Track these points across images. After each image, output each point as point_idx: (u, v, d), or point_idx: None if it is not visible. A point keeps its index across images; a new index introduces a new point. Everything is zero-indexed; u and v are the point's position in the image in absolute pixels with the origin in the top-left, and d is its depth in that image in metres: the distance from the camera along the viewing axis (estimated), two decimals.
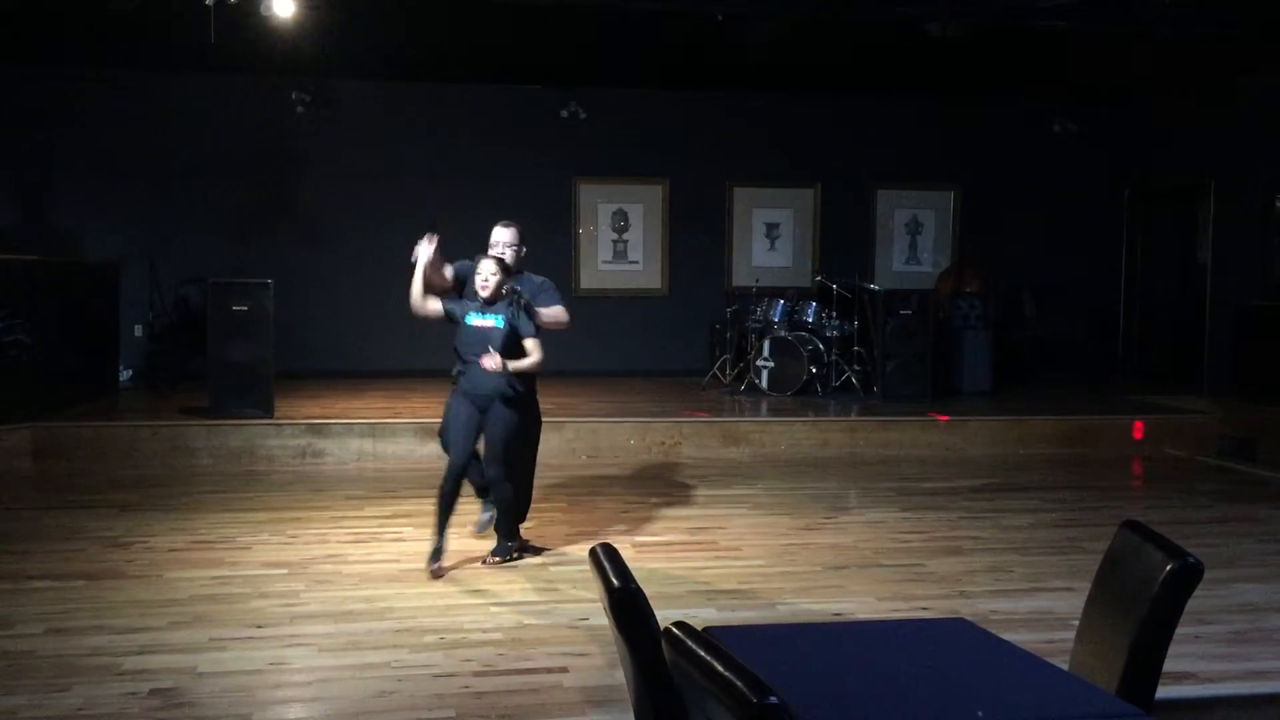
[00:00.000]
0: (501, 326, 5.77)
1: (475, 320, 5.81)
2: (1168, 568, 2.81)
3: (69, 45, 10.80)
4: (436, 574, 5.73)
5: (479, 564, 5.97)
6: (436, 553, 5.78)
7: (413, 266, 5.85)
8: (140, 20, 9.27)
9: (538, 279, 6.27)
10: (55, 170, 11.84)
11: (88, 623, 5.00)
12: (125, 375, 11.43)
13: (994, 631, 3.30)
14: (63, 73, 11.54)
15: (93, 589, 5.51)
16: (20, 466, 8.50)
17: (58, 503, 7.47)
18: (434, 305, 5.86)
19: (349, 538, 6.51)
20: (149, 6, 8.76)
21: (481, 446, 5.91)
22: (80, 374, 10.05)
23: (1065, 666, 3.08)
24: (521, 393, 5.94)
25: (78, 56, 11.20)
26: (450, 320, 5.86)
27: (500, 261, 5.89)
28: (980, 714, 2.54)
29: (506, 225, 6.17)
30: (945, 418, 9.80)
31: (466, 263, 6.08)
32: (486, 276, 5.78)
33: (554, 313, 6.15)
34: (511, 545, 6.08)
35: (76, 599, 5.35)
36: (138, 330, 11.84)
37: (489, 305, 5.80)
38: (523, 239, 6.22)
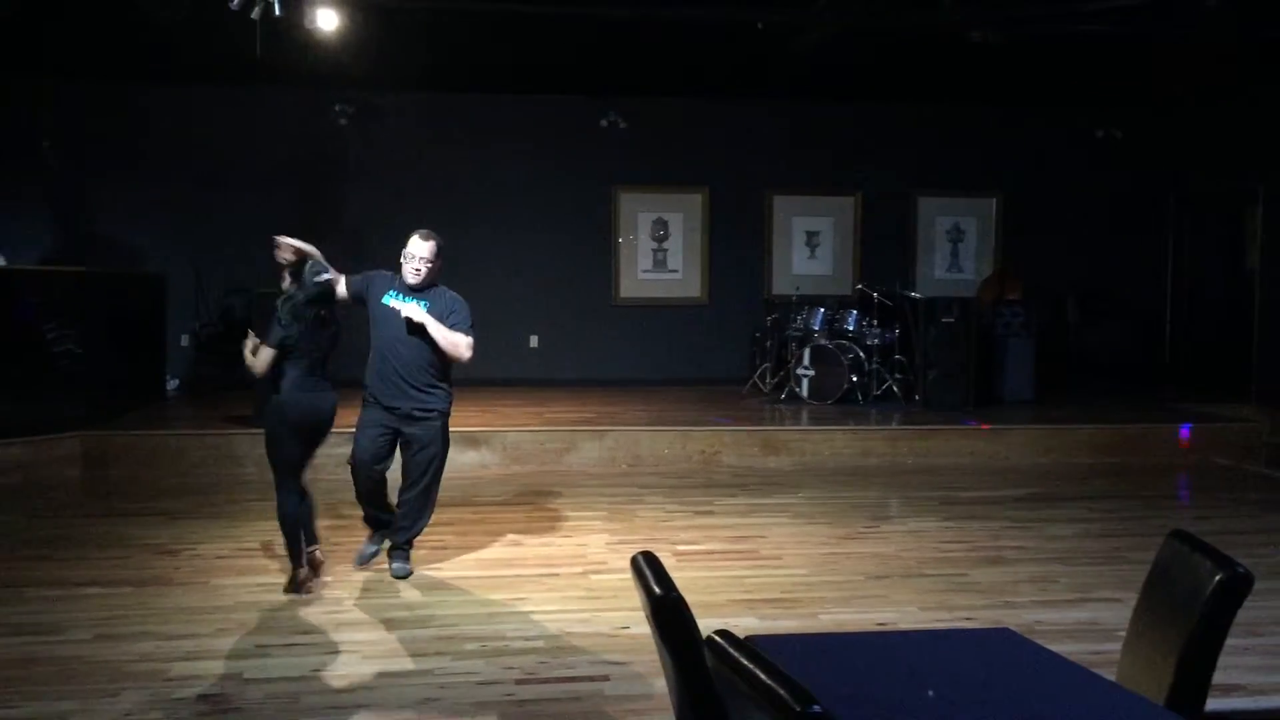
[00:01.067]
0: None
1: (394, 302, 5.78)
2: (1217, 578, 2.77)
3: (118, 58, 10.98)
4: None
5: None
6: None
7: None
8: (188, 34, 9.41)
9: (451, 295, 5.96)
10: (104, 182, 12.04)
11: (136, 629, 5.07)
12: (172, 384, 11.59)
13: (1039, 642, 3.27)
14: (111, 86, 11.74)
15: (141, 596, 5.59)
16: (70, 475, 8.64)
17: (106, 510, 7.58)
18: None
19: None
20: (196, 20, 8.89)
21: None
22: (128, 383, 10.20)
23: (1112, 678, 3.05)
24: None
25: (126, 70, 11.39)
26: (358, 303, 5.83)
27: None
28: (930, 692, 2.54)
29: (426, 238, 5.87)
30: (988, 426, 9.72)
31: (375, 273, 6.02)
32: (418, 264, 5.77)
33: (455, 339, 5.81)
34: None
35: (125, 605, 5.43)
36: (184, 340, 12.01)
37: (415, 292, 5.81)
38: (440, 253, 5.94)
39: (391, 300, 5.80)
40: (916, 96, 12.59)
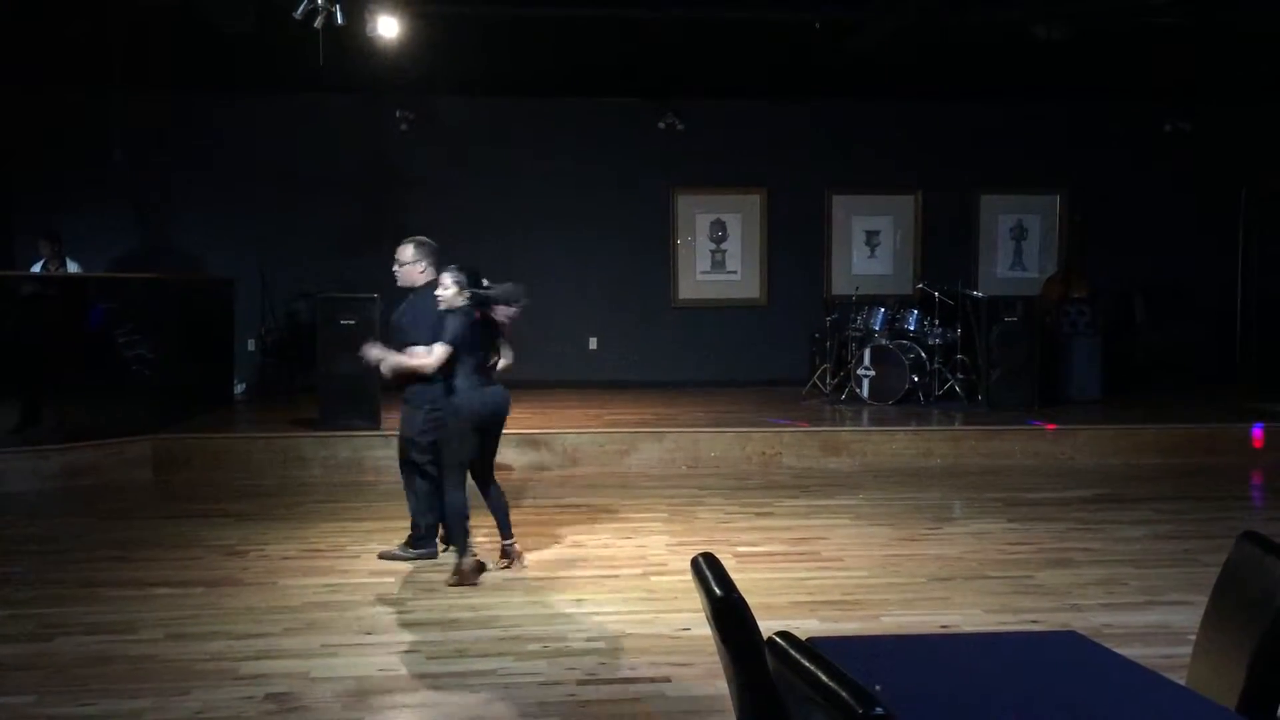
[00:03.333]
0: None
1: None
2: None
3: (186, 68, 11.21)
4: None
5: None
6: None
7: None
8: (253, 43, 9.58)
9: (425, 303, 6.05)
10: (173, 190, 12.30)
11: (206, 628, 5.18)
12: (239, 388, 11.79)
13: (1107, 646, 3.22)
14: (179, 95, 11.98)
15: (210, 596, 5.70)
16: (141, 477, 8.83)
17: (176, 512, 7.73)
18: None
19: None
20: (261, 30, 9.05)
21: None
22: (197, 388, 10.40)
23: (1182, 683, 2.99)
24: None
25: (194, 79, 11.62)
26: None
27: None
28: (877, 686, 2.51)
29: (406, 241, 6.21)
30: (1053, 426, 9.58)
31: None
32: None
33: (406, 364, 5.94)
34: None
35: (195, 605, 5.54)
36: (250, 345, 12.22)
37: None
38: (419, 256, 6.14)
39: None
40: (977, 92, 12.44)
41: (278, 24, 8.42)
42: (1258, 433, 9.64)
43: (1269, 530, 3.08)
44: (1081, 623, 5.05)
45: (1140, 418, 10.07)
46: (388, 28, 8.70)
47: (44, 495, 8.26)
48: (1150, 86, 12.12)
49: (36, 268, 10.34)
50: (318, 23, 8.06)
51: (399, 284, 6.27)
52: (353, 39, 8.74)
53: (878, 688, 2.45)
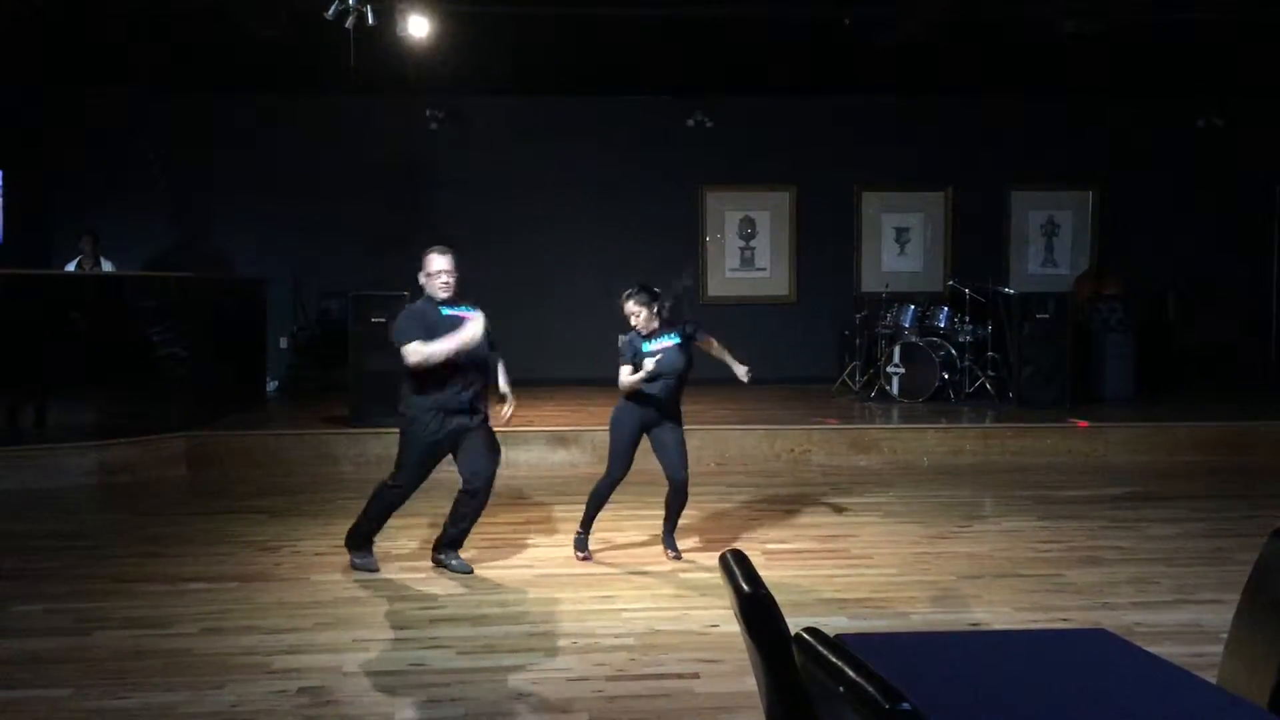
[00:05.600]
0: (680, 341, 6.07)
1: (653, 346, 6.04)
2: None
3: (220, 70, 11.33)
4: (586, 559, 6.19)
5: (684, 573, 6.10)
6: (582, 542, 6.25)
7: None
8: (285, 46, 9.66)
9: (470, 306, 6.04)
10: (207, 190, 12.43)
11: (240, 623, 5.23)
12: (272, 386, 11.90)
13: (1138, 644, 3.21)
14: (214, 96, 12.11)
15: (244, 591, 5.76)
16: (176, 474, 8.93)
17: (210, 508, 7.82)
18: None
19: (484, 543, 6.65)
20: (292, 31, 9.13)
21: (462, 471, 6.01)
22: (231, 385, 10.50)
23: (1214, 681, 2.98)
24: None
25: (229, 80, 11.75)
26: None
27: (638, 297, 6.06)
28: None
29: (444, 252, 5.97)
30: (1085, 424, 9.52)
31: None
32: (637, 318, 6.05)
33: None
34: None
35: (229, 600, 5.60)
36: (283, 343, 12.32)
37: (655, 334, 6.07)
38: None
39: (652, 345, 6.10)
40: (1007, 88, 12.37)
41: (309, 26, 8.49)
42: None
43: None
44: (1113, 621, 5.02)
45: (1173, 416, 9.99)
46: (418, 27, 8.75)
47: (80, 491, 8.36)
48: (1184, 82, 12.01)
49: (71, 266, 10.48)
50: (349, 23, 8.13)
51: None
52: (383, 39, 8.80)
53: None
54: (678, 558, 6.25)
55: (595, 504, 6.31)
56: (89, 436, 8.79)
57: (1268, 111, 12.65)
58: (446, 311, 5.88)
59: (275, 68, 11.03)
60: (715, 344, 6.35)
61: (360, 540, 6.13)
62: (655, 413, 6.12)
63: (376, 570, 6.06)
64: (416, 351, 5.69)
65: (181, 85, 11.84)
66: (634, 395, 6.10)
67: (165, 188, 12.30)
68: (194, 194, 12.45)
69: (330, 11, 8.00)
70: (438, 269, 5.90)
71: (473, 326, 5.79)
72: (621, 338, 6.19)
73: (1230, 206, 12.93)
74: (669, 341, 6.07)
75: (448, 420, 5.81)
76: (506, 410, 6.04)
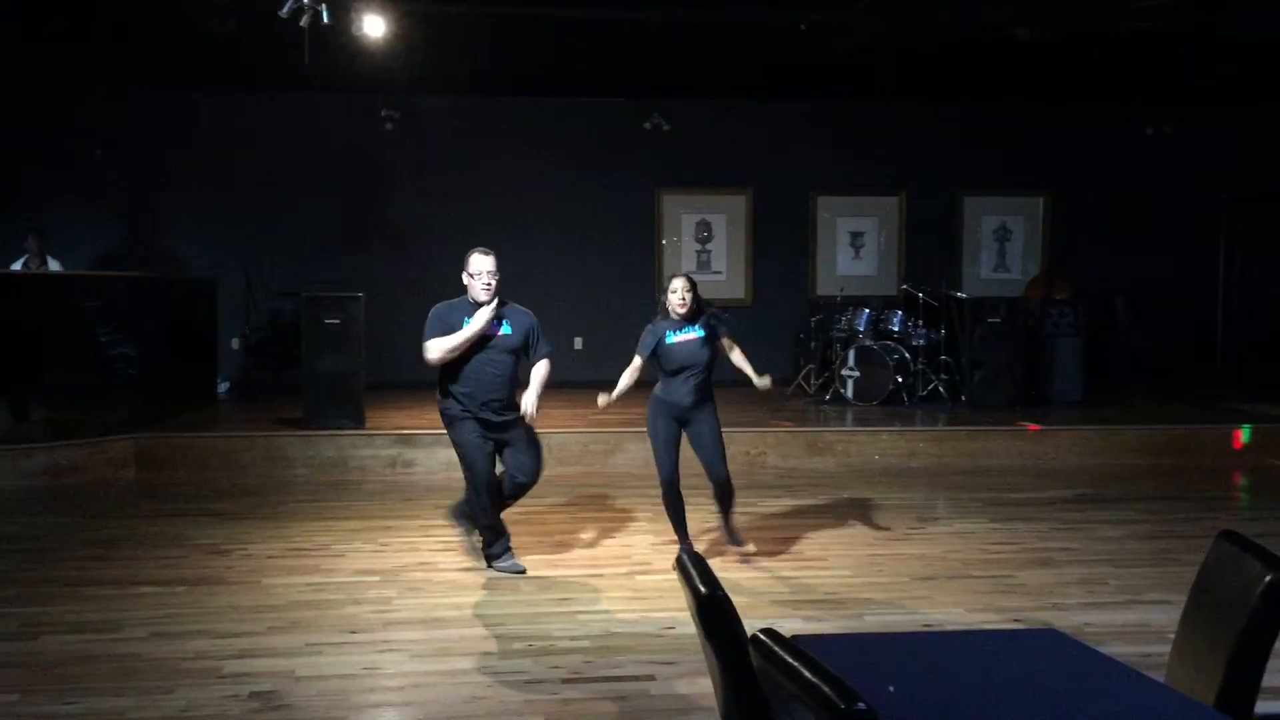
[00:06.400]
0: (704, 335, 6.06)
1: (677, 337, 6.02)
2: (1267, 579, 2.74)
3: (169, 66, 11.18)
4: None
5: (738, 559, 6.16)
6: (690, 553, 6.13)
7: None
8: (237, 42, 9.56)
9: (522, 310, 6.08)
10: (156, 188, 12.26)
11: (190, 627, 5.17)
12: (223, 387, 11.76)
13: (1088, 644, 3.25)
14: (162, 93, 11.95)
15: (194, 594, 5.69)
16: (125, 476, 8.81)
17: (160, 511, 7.71)
18: (634, 377, 6.06)
19: (439, 546, 6.62)
20: (245, 28, 9.03)
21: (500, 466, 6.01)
22: (181, 386, 10.37)
23: (1162, 680, 3.03)
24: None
25: (178, 77, 11.59)
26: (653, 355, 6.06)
27: (688, 278, 6.15)
28: (891, 688, 2.53)
29: (486, 253, 5.93)
30: (1035, 427, 9.64)
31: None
32: (682, 295, 6.05)
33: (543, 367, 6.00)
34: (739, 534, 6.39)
35: (179, 604, 5.53)
36: (234, 343, 12.19)
37: (687, 321, 6.06)
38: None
39: (677, 337, 6.08)
40: (961, 95, 12.51)
41: (262, 23, 8.40)
42: (1237, 434, 9.72)
43: (1247, 530, 3.12)
44: (1062, 621, 5.09)
45: (1121, 418, 10.15)
46: (373, 26, 8.70)
47: (27, 494, 8.22)
48: (1133, 91, 12.21)
49: (17, 265, 10.29)
50: (303, 21, 8.05)
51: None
52: (338, 38, 8.73)
53: (891, 689, 2.48)
54: (743, 547, 6.33)
55: (669, 514, 6.23)
56: (35, 438, 8.64)
57: (1214, 120, 12.89)
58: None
59: (228, 64, 10.90)
60: (739, 351, 6.37)
61: (494, 546, 6.08)
62: (685, 408, 6.08)
63: (521, 570, 6.05)
64: (428, 349, 5.80)
65: (132, 82, 11.66)
66: (659, 391, 6.11)
67: (113, 185, 12.12)
68: (143, 192, 12.28)
69: (285, 10, 7.92)
70: (478, 270, 5.89)
71: (478, 318, 5.81)
72: (647, 326, 6.15)
73: (1177, 213, 13.16)
74: (694, 334, 6.06)
75: (471, 416, 5.85)
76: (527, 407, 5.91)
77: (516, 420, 5.92)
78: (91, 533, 7.03)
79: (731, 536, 6.41)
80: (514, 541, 6.18)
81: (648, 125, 12.54)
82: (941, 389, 10.99)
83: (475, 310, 5.86)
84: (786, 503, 7.89)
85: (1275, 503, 8.07)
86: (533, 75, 11.77)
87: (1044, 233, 13.31)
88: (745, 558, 6.33)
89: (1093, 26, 9.17)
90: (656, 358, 6.07)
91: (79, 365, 9.05)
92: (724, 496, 6.27)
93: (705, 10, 9.29)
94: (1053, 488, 8.45)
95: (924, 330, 11.07)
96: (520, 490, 6.01)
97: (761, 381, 6.35)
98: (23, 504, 7.94)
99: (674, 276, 6.22)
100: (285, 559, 6.39)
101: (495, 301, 5.87)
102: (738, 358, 6.40)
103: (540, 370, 5.99)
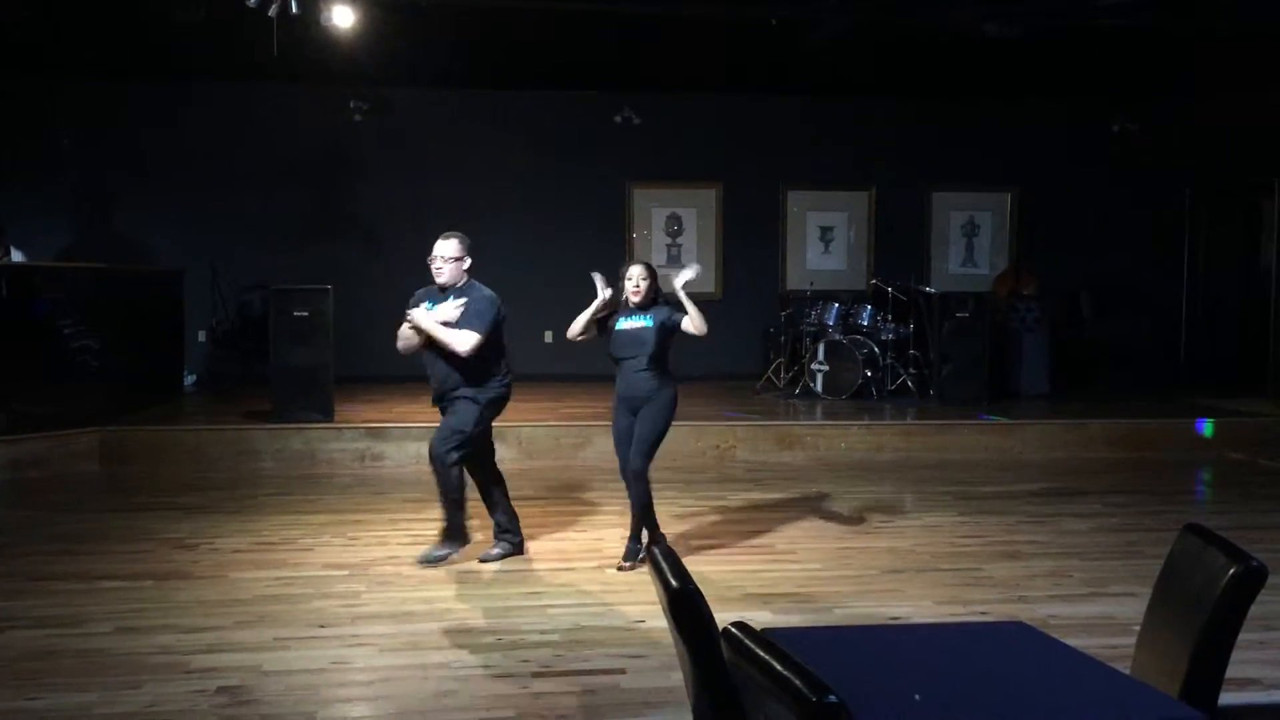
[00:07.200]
0: (652, 325, 6.00)
1: (625, 324, 6.02)
2: (1231, 571, 2.78)
3: (134, 56, 11.04)
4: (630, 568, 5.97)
5: (614, 569, 6.01)
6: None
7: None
8: (203, 32, 9.45)
9: (485, 293, 6.01)
10: (121, 179, 12.11)
11: (156, 622, 5.12)
12: (189, 380, 11.66)
13: (1054, 636, 3.28)
14: (127, 83, 11.81)
15: (160, 589, 5.64)
16: (89, 469, 8.71)
17: (125, 505, 7.64)
18: (590, 333, 6.07)
19: (408, 540, 6.59)
20: (213, 18, 8.93)
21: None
22: (146, 379, 10.27)
23: (1127, 672, 3.06)
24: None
25: (143, 67, 11.46)
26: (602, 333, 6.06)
27: (648, 265, 6.19)
28: (917, 697, 2.55)
29: (447, 237, 5.98)
30: (1003, 421, 9.71)
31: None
32: (637, 282, 6.07)
33: (444, 337, 5.90)
34: (639, 547, 6.03)
35: (145, 599, 5.48)
36: (201, 336, 12.08)
37: (640, 310, 6.06)
38: (467, 251, 6.01)
39: (626, 324, 6.10)
40: (930, 91, 12.56)
41: (229, 11, 8.31)
42: (1201, 427, 9.84)
43: (1211, 523, 3.16)
44: (1029, 614, 5.13)
45: (1087, 412, 10.25)
46: (342, 17, 8.62)
47: None
48: (1100, 87, 12.30)
49: None
50: (272, 11, 7.97)
51: (445, 281, 6.02)
52: (306, 28, 8.65)
53: (917, 698, 2.48)
54: (623, 565, 6.00)
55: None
56: None
57: (1179, 116, 13.01)
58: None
59: (195, 55, 10.78)
60: (689, 314, 6.05)
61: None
62: (635, 399, 6.01)
63: (522, 551, 6.24)
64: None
65: (96, 72, 11.52)
66: (616, 384, 6.07)
67: (78, 177, 11.97)
68: (109, 183, 12.13)
69: (252, 0, 7.84)
70: (431, 254, 6.04)
71: (414, 314, 6.01)
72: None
73: (1143, 208, 13.27)
74: (641, 322, 6.02)
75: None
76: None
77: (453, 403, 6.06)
78: (55, 527, 6.96)
79: (629, 546, 6.06)
80: (484, 534, 6.16)
81: (618, 119, 12.50)
82: (910, 383, 11.05)
83: (438, 295, 5.96)
84: (756, 496, 7.92)
85: (1237, 496, 8.17)
86: (502, 67, 11.71)
87: (1011, 228, 13.41)
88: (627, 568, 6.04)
89: (1059, 23, 9.23)
90: (607, 344, 6.05)
91: (42, 358, 8.93)
92: (632, 491, 6.01)
93: (676, 4, 9.28)
94: (1020, 481, 8.52)
95: (893, 325, 11.13)
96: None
97: (685, 273, 6.24)
98: None
99: (632, 264, 6.22)
100: (253, 553, 6.34)
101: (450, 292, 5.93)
102: (691, 315, 6.08)
103: (443, 325, 5.89)
